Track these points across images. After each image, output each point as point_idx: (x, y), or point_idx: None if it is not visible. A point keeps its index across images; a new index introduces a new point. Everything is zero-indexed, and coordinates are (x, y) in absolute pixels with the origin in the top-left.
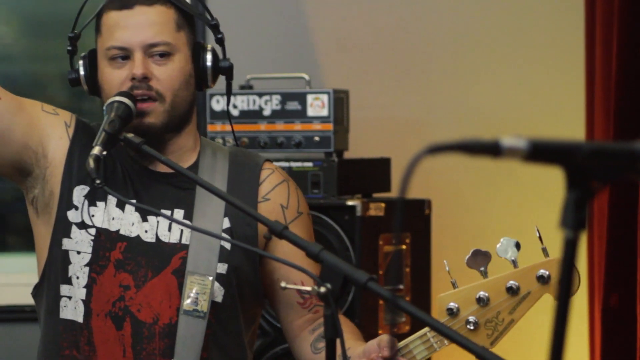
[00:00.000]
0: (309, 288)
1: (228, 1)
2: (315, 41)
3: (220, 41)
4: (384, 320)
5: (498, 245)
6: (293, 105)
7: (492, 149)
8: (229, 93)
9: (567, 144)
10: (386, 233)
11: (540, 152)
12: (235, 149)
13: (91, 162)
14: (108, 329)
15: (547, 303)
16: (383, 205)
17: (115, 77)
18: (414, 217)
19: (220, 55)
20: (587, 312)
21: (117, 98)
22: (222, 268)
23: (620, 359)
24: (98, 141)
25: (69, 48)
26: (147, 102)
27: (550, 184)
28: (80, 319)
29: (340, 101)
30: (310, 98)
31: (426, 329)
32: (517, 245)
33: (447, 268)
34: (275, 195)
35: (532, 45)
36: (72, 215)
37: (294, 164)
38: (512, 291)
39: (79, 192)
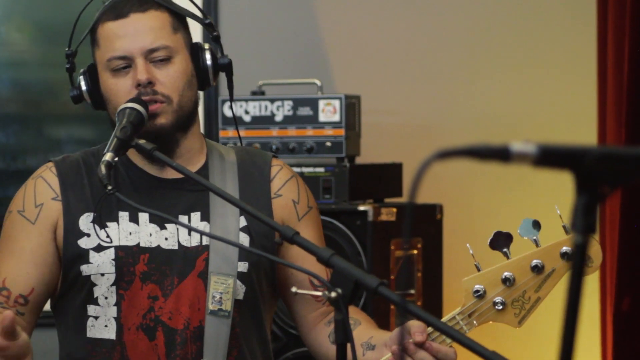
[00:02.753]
0: (319, 293)
1: (240, 7)
2: (327, 47)
3: (217, 39)
4: (395, 325)
5: (519, 226)
6: (305, 111)
7: (501, 154)
8: (231, 89)
9: (576, 149)
10: (398, 238)
11: (550, 157)
12: (239, 147)
13: (103, 168)
14: (141, 341)
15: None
16: (394, 210)
17: (120, 87)
18: (426, 222)
19: (218, 53)
20: (599, 316)
21: (129, 104)
22: (242, 266)
23: None
24: (110, 147)
25: (67, 66)
26: (155, 104)
27: (561, 188)
28: (113, 336)
29: (352, 106)
30: (322, 103)
31: (455, 312)
32: (538, 225)
33: (470, 251)
34: (287, 191)
35: (544, 51)
36: (85, 242)
37: (305, 169)
38: (537, 269)
39: (85, 220)
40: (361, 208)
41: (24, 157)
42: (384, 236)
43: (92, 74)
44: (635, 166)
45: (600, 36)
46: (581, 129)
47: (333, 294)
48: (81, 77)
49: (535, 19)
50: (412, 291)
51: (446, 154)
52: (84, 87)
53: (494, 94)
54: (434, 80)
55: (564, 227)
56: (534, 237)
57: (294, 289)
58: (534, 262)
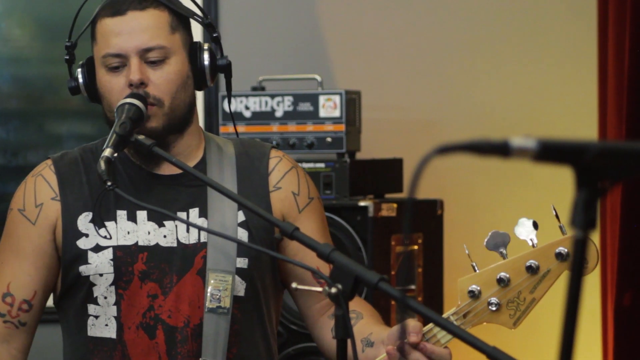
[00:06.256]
0: (319, 289)
1: (240, 3)
2: (327, 42)
3: (217, 40)
4: (396, 320)
5: (515, 227)
6: (305, 107)
7: (501, 149)
8: (229, 91)
9: (576, 144)
10: (398, 233)
11: (550, 152)
12: (239, 139)
13: (102, 164)
14: (141, 340)
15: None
16: (395, 205)
17: (114, 85)
18: (426, 218)
19: (218, 54)
20: (600, 311)
21: (128, 100)
22: (242, 262)
23: (634, 358)
24: (109, 143)
25: (67, 57)
26: (147, 107)
27: (562, 184)
28: (113, 335)
29: (352, 102)
30: (322, 99)
31: (449, 312)
32: (535, 225)
33: (466, 251)
34: (286, 183)
35: (544, 46)
36: (84, 243)
37: (306, 165)
38: (531, 270)
39: (84, 220)
40: (362, 203)
41: (24, 153)
42: (385, 232)
43: (89, 67)
44: (635, 161)
45: (600, 31)
46: (582, 124)
47: (333, 290)
48: (79, 70)
49: (535, 14)
50: (413, 287)
51: (446, 149)
52: (80, 80)
53: (495, 89)
54: (434, 75)
55: (560, 227)
56: (530, 238)
57: (294, 285)
58: (529, 262)
